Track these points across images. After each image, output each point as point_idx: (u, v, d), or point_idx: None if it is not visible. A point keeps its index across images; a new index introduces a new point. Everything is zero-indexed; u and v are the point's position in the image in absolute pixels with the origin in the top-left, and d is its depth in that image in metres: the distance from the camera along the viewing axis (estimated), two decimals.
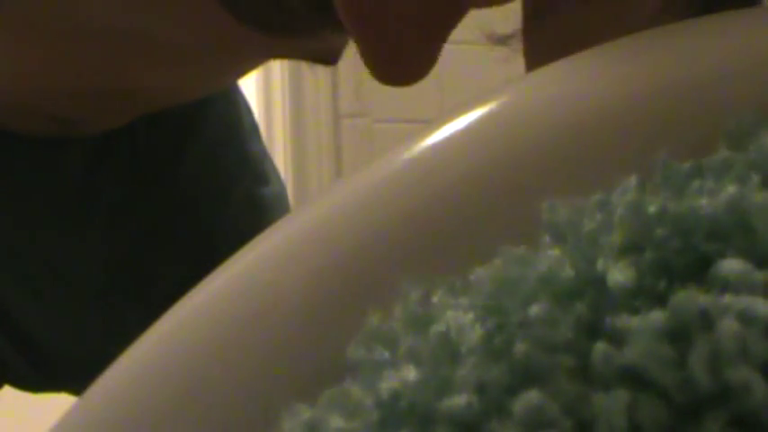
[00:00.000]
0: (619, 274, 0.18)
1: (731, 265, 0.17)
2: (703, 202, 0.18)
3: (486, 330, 0.18)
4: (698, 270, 0.18)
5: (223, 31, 0.47)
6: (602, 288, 0.18)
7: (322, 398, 0.19)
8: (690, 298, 0.17)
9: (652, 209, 0.19)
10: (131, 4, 0.49)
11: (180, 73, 0.58)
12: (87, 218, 0.70)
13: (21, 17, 0.50)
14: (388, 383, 0.18)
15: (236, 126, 0.77)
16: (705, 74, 0.23)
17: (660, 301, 0.17)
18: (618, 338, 0.17)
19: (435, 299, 0.20)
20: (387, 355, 0.19)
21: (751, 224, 0.18)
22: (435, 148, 0.23)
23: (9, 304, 0.71)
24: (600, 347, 0.17)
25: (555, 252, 0.19)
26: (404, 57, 0.28)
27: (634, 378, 0.17)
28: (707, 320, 0.17)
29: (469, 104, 0.24)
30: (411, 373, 0.18)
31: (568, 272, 0.18)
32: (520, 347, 0.17)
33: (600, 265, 0.18)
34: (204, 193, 0.74)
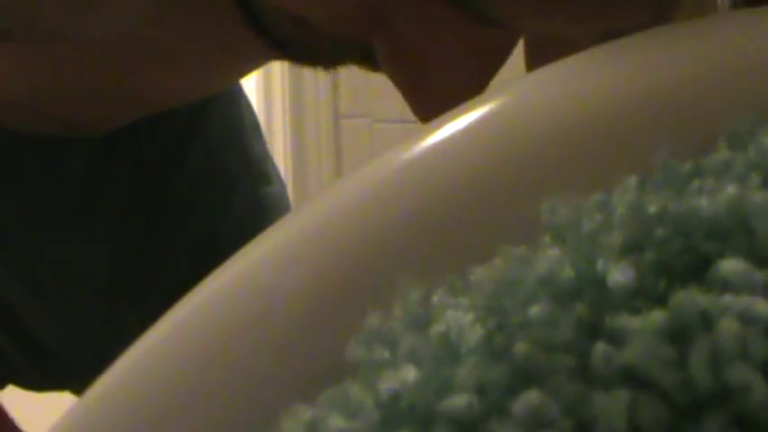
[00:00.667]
0: (619, 275, 0.18)
1: (731, 266, 0.17)
2: (703, 202, 0.18)
3: (487, 330, 0.18)
4: (698, 270, 0.18)
5: (239, 41, 0.47)
6: (602, 288, 0.18)
7: (322, 398, 0.19)
8: (690, 298, 0.17)
9: (652, 209, 0.19)
10: (152, 16, 0.49)
11: (187, 75, 0.59)
12: (90, 218, 0.70)
13: (39, 29, 0.50)
14: (389, 384, 0.18)
15: (239, 126, 0.77)
16: (705, 74, 0.23)
17: (660, 301, 0.17)
18: (618, 338, 0.17)
19: (435, 299, 0.20)
20: (387, 355, 0.19)
21: (751, 224, 0.18)
22: (435, 148, 0.23)
23: (12, 303, 0.71)
24: (600, 348, 0.17)
25: (555, 252, 0.19)
26: (448, 102, 0.29)
27: (634, 378, 0.17)
28: (707, 320, 0.17)
29: (469, 104, 0.24)
30: (411, 374, 0.18)
31: (568, 272, 0.18)
32: (520, 348, 0.17)
33: (600, 265, 0.18)
34: (206, 193, 0.74)
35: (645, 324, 0.17)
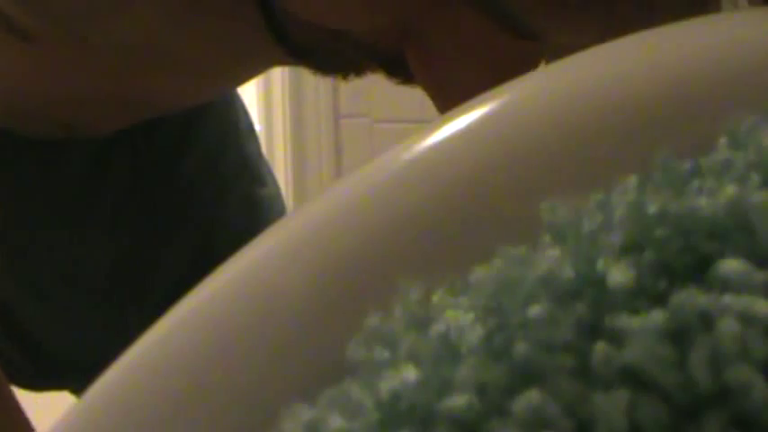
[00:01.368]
0: (619, 275, 0.18)
1: (731, 266, 0.17)
2: (703, 202, 0.18)
3: (487, 330, 0.18)
4: (698, 270, 0.18)
5: (254, 48, 0.47)
6: (602, 288, 0.18)
7: (322, 398, 0.19)
8: (690, 298, 0.17)
9: (652, 209, 0.19)
10: (172, 20, 0.49)
11: (197, 80, 0.59)
12: (88, 219, 0.70)
13: (65, 30, 0.50)
14: (389, 383, 0.18)
15: (234, 127, 0.77)
16: (705, 74, 0.23)
17: (660, 301, 0.17)
18: (618, 339, 0.17)
19: (435, 299, 0.20)
20: (387, 355, 0.19)
21: (751, 224, 0.18)
22: (435, 147, 0.23)
23: (12, 304, 0.71)
24: (600, 348, 0.17)
25: (555, 252, 0.19)
26: None
27: (634, 378, 0.17)
28: (707, 321, 0.17)
29: (469, 104, 0.24)
30: (411, 374, 0.18)
31: (568, 272, 0.18)
32: (520, 348, 0.17)
33: (600, 265, 0.18)
34: (203, 194, 0.74)
35: (645, 324, 0.17)
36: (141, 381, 0.23)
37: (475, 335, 0.18)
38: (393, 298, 0.20)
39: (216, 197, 0.75)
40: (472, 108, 0.24)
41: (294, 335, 0.22)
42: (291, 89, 1.99)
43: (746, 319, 0.16)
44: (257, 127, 0.85)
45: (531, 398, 0.17)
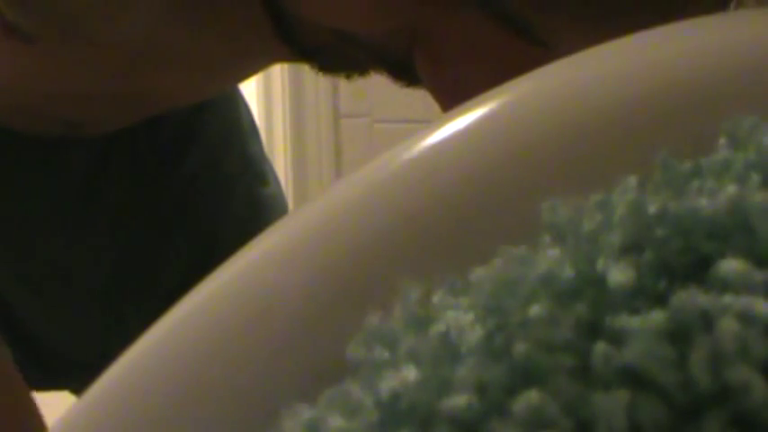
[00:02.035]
0: (619, 274, 0.18)
1: (731, 265, 0.17)
2: (703, 202, 0.18)
3: (486, 330, 0.18)
4: (698, 270, 0.18)
5: (258, 46, 0.47)
6: (602, 288, 0.18)
7: (322, 398, 0.19)
8: (690, 298, 0.17)
9: (652, 209, 0.19)
10: (175, 17, 0.49)
11: (199, 77, 0.59)
12: (89, 218, 0.70)
13: (71, 30, 0.50)
14: (389, 383, 0.18)
15: (237, 126, 0.77)
16: (705, 74, 0.23)
17: (660, 301, 0.17)
18: (618, 338, 0.17)
19: (435, 299, 0.20)
20: (387, 355, 0.19)
21: (751, 224, 0.18)
22: (435, 147, 0.23)
23: (12, 303, 0.71)
24: (600, 347, 0.17)
25: (555, 252, 0.19)
26: None
27: (634, 378, 0.17)
28: (707, 320, 0.17)
29: (469, 104, 0.24)
30: (411, 374, 0.18)
31: (568, 272, 0.18)
32: (520, 347, 0.17)
33: (600, 265, 0.18)
34: (205, 193, 0.74)
35: (645, 324, 0.17)
36: (141, 380, 0.23)
37: (475, 335, 0.18)
38: (393, 298, 0.20)
39: (218, 196, 0.75)
40: (472, 108, 0.24)
41: (294, 335, 0.22)
42: (291, 89, 1.99)
43: (746, 318, 0.16)
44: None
45: (531, 398, 0.17)
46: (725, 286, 0.17)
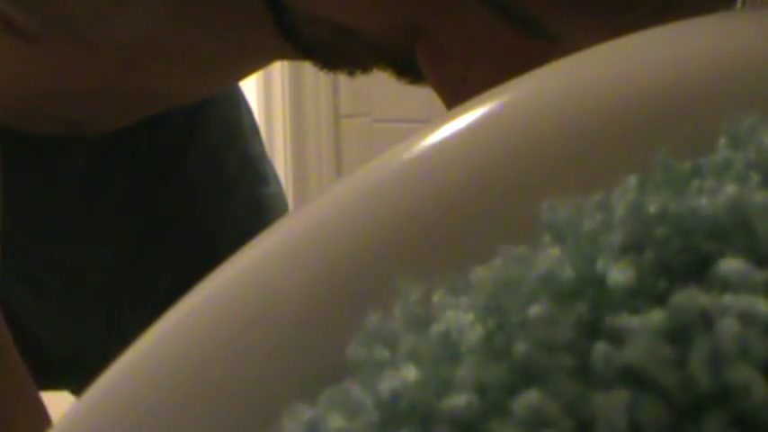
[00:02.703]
0: (619, 274, 0.18)
1: (731, 265, 0.17)
2: (703, 201, 0.18)
3: (487, 330, 0.18)
4: (698, 270, 0.18)
5: (257, 43, 0.47)
6: (602, 288, 0.18)
7: (322, 398, 0.19)
8: (690, 298, 0.17)
9: (652, 209, 0.19)
10: (174, 15, 0.49)
11: (199, 75, 0.59)
12: (89, 218, 0.70)
13: (70, 29, 0.50)
14: (389, 383, 0.18)
15: (237, 126, 0.77)
16: (705, 74, 0.23)
17: (660, 300, 0.17)
18: (618, 338, 0.17)
19: (435, 299, 0.20)
20: (387, 354, 0.19)
21: (751, 224, 0.18)
22: (435, 147, 0.23)
23: (12, 303, 0.71)
24: (600, 347, 0.17)
25: (555, 252, 0.19)
26: None
27: (634, 378, 0.17)
28: (707, 320, 0.17)
29: (470, 104, 0.24)
30: (411, 373, 0.18)
31: (568, 272, 0.18)
32: (520, 347, 0.17)
33: (600, 265, 0.18)
34: (205, 193, 0.74)
35: (645, 324, 0.17)
36: (141, 380, 0.23)
37: (475, 335, 0.18)
38: (393, 298, 0.20)
39: (219, 197, 0.75)
40: (472, 108, 0.24)
41: (294, 334, 0.22)
42: (291, 89, 1.99)
43: (746, 318, 0.16)
44: None
45: (531, 397, 0.17)
46: (725, 286, 0.17)
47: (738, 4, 0.41)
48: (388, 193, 0.23)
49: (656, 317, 0.17)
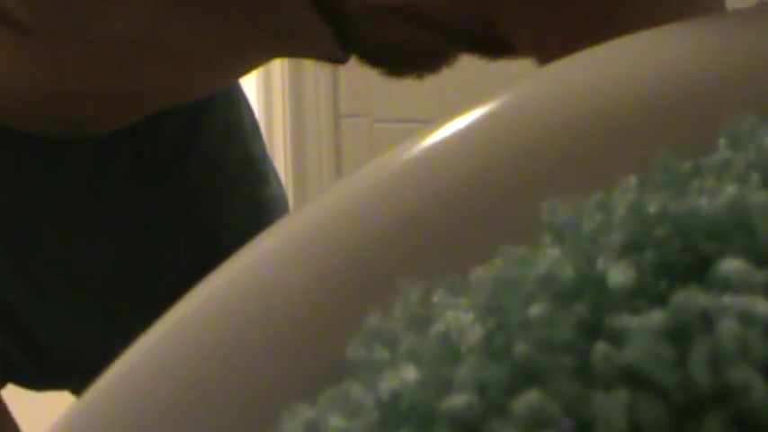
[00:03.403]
0: (619, 274, 0.18)
1: (731, 265, 0.17)
2: (703, 201, 0.18)
3: (487, 330, 0.18)
4: (698, 270, 0.18)
5: (251, 39, 0.47)
6: (602, 288, 0.18)
7: (322, 398, 0.19)
8: (690, 298, 0.17)
9: (652, 209, 0.19)
10: (170, 12, 0.48)
11: (195, 73, 0.59)
12: (90, 218, 0.70)
13: (54, 30, 0.50)
14: (389, 383, 0.18)
15: (238, 126, 0.77)
16: (705, 74, 0.23)
17: (660, 301, 0.17)
18: (618, 338, 0.17)
19: (435, 299, 0.20)
20: (387, 355, 0.19)
21: (751, 224, 0.18)
22: (435, 147, 0.23)
23: (13, 303, 0.71)
24: (600, 347, 0.17)
25: (555, 252, 0.19)
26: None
27: (634, 378, 0.17)
28: (707, 320, 0.17)
29: (470, 105, 0.24)
30: (411, 374, 0.18)
31: (568, 272, 0.18)
32: (520, 347, 0.17)
33: (600, 265, 0.18)
34: (206, 193, 0.74)
35: (645, 324, 0.17)
36: (141, 381, 0.23)
37: (475, 335, 0.18)
38: (393, 298, 0.20)
39: (219, 196, 0.75)
40: (472, 108, 0.24)
41: (294, 335, 0.22)
42: (291, 89, 1.99)
43: (746, 318, 0.16)
44: None
45: (530, 398, 0.17)
46: (725, 286, 0.17)
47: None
48: (389, 194, 0.23)
49: (656, 317, 0.17)
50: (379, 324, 0.20)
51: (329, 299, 0.22)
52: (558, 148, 0.23)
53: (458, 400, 0.17)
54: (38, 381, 0.77)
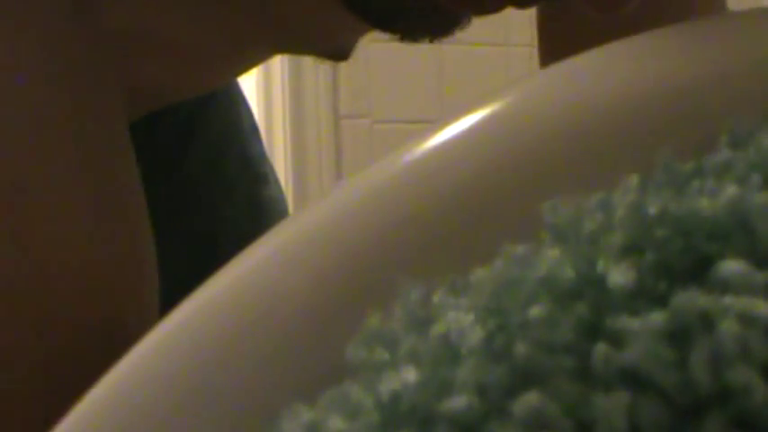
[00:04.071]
0: (619, 275, 0.18)
1: (732, 266, 0.17)
2: (704, 202, 0.18)
3: (487, 331, 0.18)
4: (698, 271, 0.18)
5: (250, 33, 0.46)
6: (602, 289, 0.18)
7: (322, 399, 0.19)
8: (690, 299, 0.17)
9: (653, 209, 0.19)
10: (175, 6, 0.48)
11: (193, 69, 0.58)
12: None
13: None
14: (389, 385, 0.18)
15: (237, 127, 0.77)
16: (705, 74, 0.23)
17: (661, 302, 0.17)
18: (618, 339, 0.17)
19: (436, 299, 0.20)
20: (387, 356, 0.19)
21: (751, 225, 0.18)
22: (437, 149, 0.23)
23: None
24: (600, 348, 0.17)
25: (555, 253, 0.19)
26: None
27: (634, 379, 0.17)
28: (707, 321, 0.17)
29: (471, 105, 0.24)
30: (411, 375, 0.18)
31: (569, 273, 0.18)
32: (520, 348, 0.17)
33: (600, 265, 0.18)
34: (205, 195, 0.74)
35: (645, 325, 0.17)
36: (142, 383, 0.23)
37: (475, 335, 0.18)
38: (393, 298, 0.20)
39: (218, 197, 0.75)
40: (473, 109, 0.24)
41: (294, 336, 0.22)
42: (291, 89, 1.99)
43: (747, 319, 0.16)
44: None
45: (531, 399, 0.17)
46: (725, 287, 0.17)
47: None
48: (389, 195, 0.23)
49: (657, 318, 0.17)
50: (380, 325, 0.20)
51: (329, 300, 0.22)
52: (559, 148, 0.23)
53: (458, 402, 0.17)
54: None
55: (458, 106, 0.24)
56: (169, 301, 0.24)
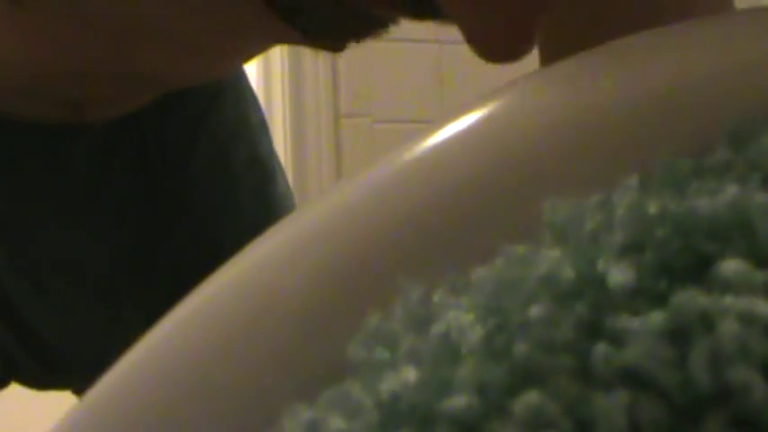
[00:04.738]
0: (619, 275, 0.18)
1: (732, 266, 0.17)
2: (704, 202, 0.18)
3: (487, 331, 0.18)
4: (698, 270, 0.18)
5: (246, 18, 0.46)
6: (602, 288, 0.18)
7: (322, 398, 0.19)
8: (690, 298, 0.17)
9: (653, 209, 0.19)
10: None
11: (191, 56, 0.58)
12: (92, 213, 0.70)
13: (48, 2, 0.49)
14: (389, 384, 0.18)
15: (245, 123, 0.77)
16: (705, 74, 0.23)
17: (660, 301, 0.17)
18: (618, 339, 0.17)
19: (436, 299, 0.20)
20: (387, 355, 0.19)
21: (751, 224, 0.18)
22: (437, 148, 0.23)
23: (15, 301, 0.70)
24: (600, 348, 0.17)
25: (555, 252, 0.19)
26: (514, 34, 0.29)
27: (634, 378, 0.17)
28: (707, 321, 0.17)
29: (471, 105, 0.24)
30: (411, 374, 0.18)
31: (569, 272, 0.18)
32: (520, 348, 0.17)
33: (600, 265, 0.18)
34: (212, 190, 0.74)
35: (645, 324, 0.17)
36: (143, 381, 0.23)
37: (475, 335, 0.18)
38: (393, 298, 0.20)
39: (225, 193, 0.74)
40: (473, 108, 0.24)
41: (295, 335, 0.22)
42: (291, 89, 1.99)
43: (747, 319, 0.16)
44: None
45: (531, 398, 0.17)
46: (725, 287, 0.17)
47: None
48: (389, 194, 0.23)
49: (657, 318, 0.17)
50: (380, 324, 0.20)
51: (330, 299, 0.22)
52: (559, 147, 0.23)
53: (458, 401, 0.17)
54: (41, 380, 0.77)
55: (458, 106, 0.24)
56: (172, 297, 0.24)
